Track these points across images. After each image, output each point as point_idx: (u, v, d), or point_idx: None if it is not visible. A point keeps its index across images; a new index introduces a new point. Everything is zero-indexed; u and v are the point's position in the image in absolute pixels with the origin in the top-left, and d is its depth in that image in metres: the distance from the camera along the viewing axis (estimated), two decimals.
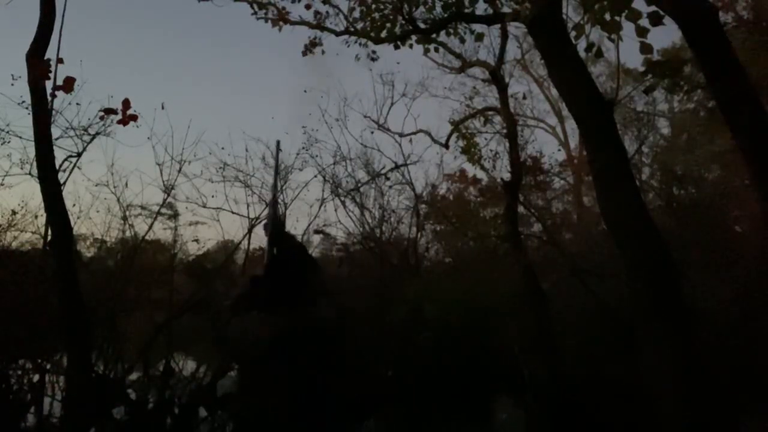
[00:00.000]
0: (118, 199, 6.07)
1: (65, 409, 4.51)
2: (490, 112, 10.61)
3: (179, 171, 6.10)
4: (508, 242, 8.85)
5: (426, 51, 7.76)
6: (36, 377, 4.85)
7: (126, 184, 6.07)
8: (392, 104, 11.56)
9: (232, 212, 7.37)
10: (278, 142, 3.12)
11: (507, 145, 9.49)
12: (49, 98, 4.37)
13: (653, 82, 4.09)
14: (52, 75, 4.32)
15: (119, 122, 4.49)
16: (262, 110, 34.99)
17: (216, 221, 7.09)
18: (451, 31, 7.37)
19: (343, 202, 10.43)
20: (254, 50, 41.60)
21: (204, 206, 7.12)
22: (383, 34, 7.22)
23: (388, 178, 11.01)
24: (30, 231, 6.08)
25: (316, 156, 10.17)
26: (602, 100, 3.69)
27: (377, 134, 20.00)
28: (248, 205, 7.83)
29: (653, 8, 3.34)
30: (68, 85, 4.32)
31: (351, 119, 25.39)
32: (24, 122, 6.02)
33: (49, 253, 4.53)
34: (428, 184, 12.07)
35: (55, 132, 4.87)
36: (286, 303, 2.12)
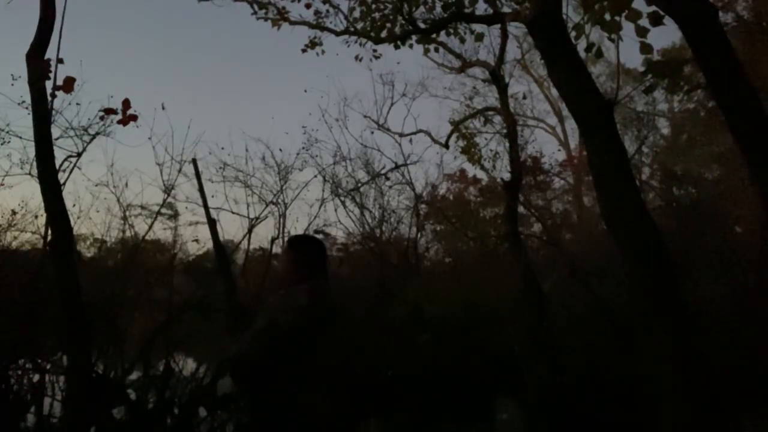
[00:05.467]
0: (118, 199, 6.07)
1: (65, 409, 4.51)
2: (490, 112, 10.61)
3: (179, 171, 6.09)
4: (508, 242, 8.85)
5: (426, 51, 7.75)
6: (36, 377, 4.84)
7: (126, 184, 6.07)
8: (392, 104, 11.61)
9: (232, 212, 7.39)
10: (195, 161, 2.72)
11: (507, 145, 9.50)
12: (49, 98, 4.36)
13: (653, 82, 4.10)
14: (52, 75, 4.32)
15: (119, 122, 4.50)
16: (262, 110, 35.00)
17: (216, 221, 7.08)
18: (451, 31, 7.38)
19: (343, 202, 10.45)
20: (254, 50, 41.60)
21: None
22: (383, 34, 7.23)
23: (388, 178, 11.04)
24: (30, 231, 6.06)
25: (316, 156, 10.18)
26: (602, 100, 3.69)
27: (377, 134, 20.08)
28: (248, 205, 7.83)
29: (653, 8, 3.35)
30: (68, 85, 4.32)
31: (351, 119, 25.40)
32: (24, 122, 6.02)
33: (49, 253, 4.52)
34: (428, 184, 12.11)
35: (55, 132, 4.85)
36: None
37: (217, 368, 5.26)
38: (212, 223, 2.49)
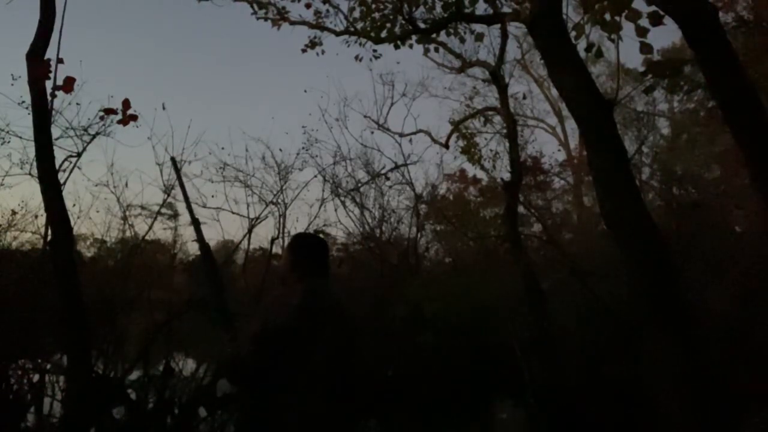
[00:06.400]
0: (118, 199, 6.08)
1: (65, 409, 4.51)
2: (490, 112, 10.62)
3: (179, 171, 6.09)
4: (508, 242, 8.85)
5: (426, 51, 7.77)
6: (36, 377, 4.84)
7: (126, 184, 6.07)
8: (392, 104, 11.60)
9: (232, 212, 7.40)
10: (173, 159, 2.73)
11: (507, 145, 9.50)
12: (49, 98, 4.36)
13: (653, 82, 4.10)
14: (52, 75, 4.32)
15: (119, 122, 4.49)
16: (262, 110, 35.01)
17: (216, 221, 7.11)
18: (451, 31, 7.38)
19: (343, 202, 10.45)
20: (254, 50, 41.61)
21: (204, 206, 7.13)
22: (383, 34, 7.23)
23: (388, 178, 11.03)
24: (30, 231, 6.07)
25: (316, 156, 10.18)
26: (602, 100, 3.69)
27: (377, 134, 20.07)
28: (248, 205, 7.84)
29: (653, 8, 3.35)
30: (68, 85, 4.31)
31: (351, 119, 25.40)
32: (24, 122, 6.04)
33: (49, 253, 4.52)
34: (428, 184, 12.09)
35: (55, 132, 4.88)
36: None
37: (216, 368, 5.26)
38: (196, 223, 2.47)
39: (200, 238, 2.43)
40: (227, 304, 2.24)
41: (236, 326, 2.14)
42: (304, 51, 8.32)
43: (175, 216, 8.54)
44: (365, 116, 11.42)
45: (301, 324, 1.90)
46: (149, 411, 4.86)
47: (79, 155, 5.53)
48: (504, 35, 8.86)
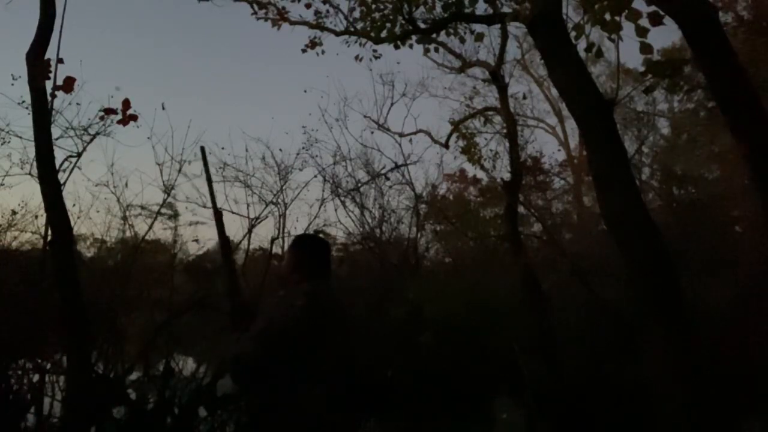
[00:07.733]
0: (118, 199, 6.08)
1: (65, 409, 4.51)
2: (490, 112, 10.61)
3: (179, 171, 6.10)
4: (508, 242, 8.85)
5: (426, 51, 7.76)
6: (36, 377, 4.84)
7: (126, 184, 6.07)
8: (392, 104, 11.56)
9: (232, 212, 7.38)
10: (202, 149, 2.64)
11: (507, 145, 9.50)
12: (49, 98, 4.37)
13: (653, 82, 4.10)
14: (52, 75, 4.33)
15: (119, 122, 4.50)
16: (262, 110, 34.96)
17: (222, 213, 7.11)
18: (451, 31, 7.38)
19: (343, 202, 10.43)
20: (254, 50, 41.61)
21: (204, 206, 7.12)
22: (383, 34, 7.22)
23: (388, 178, 11.02)
24: (30, 231, 6.07)
25: (316, 156, 10.15)
26: (602, 100, 3.69)
27: (377, 134, 20.05)
28: (248, 205, 7.82)
29: (653, 8, 3.35)
30: (68, 85, 4.32)
31: (351, 119, 25.30)
32: (24, 122, 6.03)
33: (49, 253, 4.52)
34: (428, 184, 12.06)
35: (55, 132, 4.86)
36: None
37: (217, 368, 5.26)
38: (218, 215, 2.45)
39: (221, 231, 2.40)
40: (246, 299, 2.24)
41: (245, 324, 2.14)
42: (304, 51, 8.33)
43: (175, 216, 8.54)
44: (365, 116, 11.40)
45: (306, 325, 1.91)
46: (149, 411, 4.87)
47: (79, 155, 5.52)
48: (504, 35, 8.86)
